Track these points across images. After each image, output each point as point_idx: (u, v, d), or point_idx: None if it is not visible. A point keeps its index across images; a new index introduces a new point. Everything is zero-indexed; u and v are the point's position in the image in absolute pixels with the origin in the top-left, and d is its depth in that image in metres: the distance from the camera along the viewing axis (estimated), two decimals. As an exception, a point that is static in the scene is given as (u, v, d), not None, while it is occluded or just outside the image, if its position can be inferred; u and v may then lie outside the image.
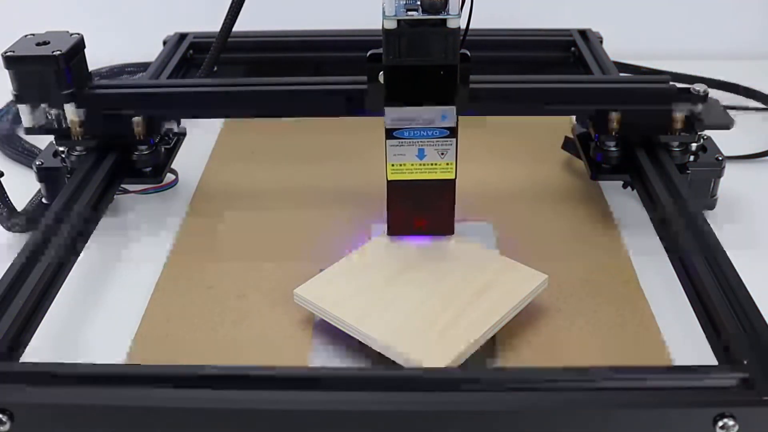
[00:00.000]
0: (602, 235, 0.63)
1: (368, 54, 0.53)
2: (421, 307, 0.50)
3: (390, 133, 0.52)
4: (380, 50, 0.51)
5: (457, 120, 0.52)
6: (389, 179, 0.54)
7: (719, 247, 0.50)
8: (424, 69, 0.50)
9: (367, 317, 0.49)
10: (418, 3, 0.49)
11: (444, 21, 0.49)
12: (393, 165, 0.54)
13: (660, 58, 0.89)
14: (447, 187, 0.55)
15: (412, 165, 0.54)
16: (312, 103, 0.64)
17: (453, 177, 0.54)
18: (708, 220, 0.53)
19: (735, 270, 0.48)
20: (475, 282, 0.52)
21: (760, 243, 0.62)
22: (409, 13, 0.49)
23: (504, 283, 0.52)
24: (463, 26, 0.50)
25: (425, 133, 0.52)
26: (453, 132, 0.52)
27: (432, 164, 0.54)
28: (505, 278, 0.52)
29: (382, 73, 0.51)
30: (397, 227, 0.57)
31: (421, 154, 0.53)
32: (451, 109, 0.52)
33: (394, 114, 0.52)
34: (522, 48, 0.81)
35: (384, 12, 0.48)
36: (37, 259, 0.51)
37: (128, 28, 0.99)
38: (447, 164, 0.54)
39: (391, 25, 0.49)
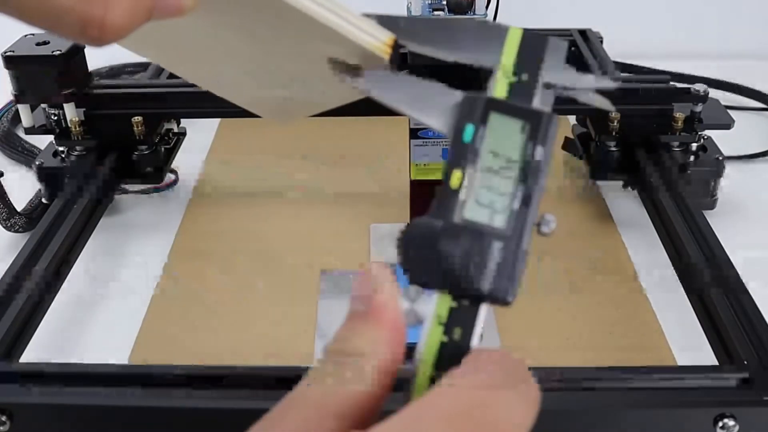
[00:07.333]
0: (602, 235, 0.63)
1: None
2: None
3: (415, 133, 0.52)
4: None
5: None
6: (413, 179, 0.54)
7: (719, 246, 0.50)
8: (450, 68, 0.50)
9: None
10: (444, 2, 0.49)
11: None
12: (417, 165, 0.53)
13: (660, 58, 0.89)
14: None
15: (437, 165, 0.53)
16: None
17: None
18: (708, 220, 0.53)
19: (735, 270, 0.48)
20: None
21: (760, 243, 0.62)
22: (436, 12, 0.49)
23: None
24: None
25: None
26: None
27: None
28: None
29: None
30: None
31: (445, 154, 0.53)
32: None
33: None
34: (522, 48, 0.81)
35: (410, 11, 0.48)
36: (37, 259, 0.51)
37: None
38: None
39: None
